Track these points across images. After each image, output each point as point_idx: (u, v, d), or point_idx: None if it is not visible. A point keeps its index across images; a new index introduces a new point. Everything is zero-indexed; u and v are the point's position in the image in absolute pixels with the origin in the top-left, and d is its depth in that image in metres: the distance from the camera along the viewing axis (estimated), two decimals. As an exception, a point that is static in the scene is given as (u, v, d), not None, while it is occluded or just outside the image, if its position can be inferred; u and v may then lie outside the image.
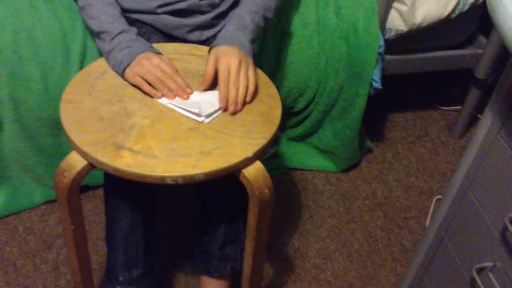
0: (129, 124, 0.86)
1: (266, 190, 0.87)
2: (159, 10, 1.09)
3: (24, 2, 1.17)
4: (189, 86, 0.92)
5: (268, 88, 0.99)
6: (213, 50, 0.94)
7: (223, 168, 0.81)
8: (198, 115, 0.88)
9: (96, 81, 0.95)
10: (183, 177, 0.79)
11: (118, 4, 1.14)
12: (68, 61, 1.20)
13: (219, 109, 0.90)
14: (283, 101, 0.98)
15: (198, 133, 0.87)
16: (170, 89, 0.90)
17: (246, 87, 0.91)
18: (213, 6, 1.11)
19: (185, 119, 0.88)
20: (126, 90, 0.93)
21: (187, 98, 0.91)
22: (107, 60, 0.97)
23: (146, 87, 0.90)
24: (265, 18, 1.06)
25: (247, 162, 0.84)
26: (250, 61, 0.95)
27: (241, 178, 0.85)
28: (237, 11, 1.04)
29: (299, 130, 1.56)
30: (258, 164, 0.86)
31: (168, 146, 0.83)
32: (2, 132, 1.23)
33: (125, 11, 1.15)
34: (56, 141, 1.29)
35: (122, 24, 0.99)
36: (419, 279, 1.07)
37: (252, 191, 0.86)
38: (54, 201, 1.38)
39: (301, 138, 1.59)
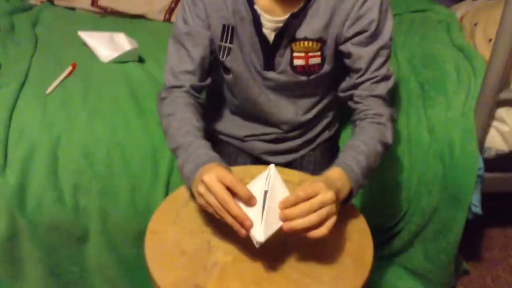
0: (211, 261, 0.83)
1: None
2: (247, 139, 1.10)
3: (119, 119, 1.23)
4: (247, 219, 0.76)
5: (357, 222, 0.93)
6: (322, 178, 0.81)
7: (310, 324, 0.74)
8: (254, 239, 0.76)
9: (182, 209, 0.94)
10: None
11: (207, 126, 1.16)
12: (156, 176, 1.22)
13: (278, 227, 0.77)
14: (369, 219, 0.90)
15: (282, 275, 0.81)
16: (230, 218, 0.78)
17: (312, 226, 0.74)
18: (301, 135, 1.11)
19: (268, 257, 0.83)
20: (211, 220, 0.91)
21: (245, 233, 0.76)
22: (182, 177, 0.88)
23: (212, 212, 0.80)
24: (383, 145, 0.95)
25: (336, 315, 0.76)
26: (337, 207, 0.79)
27: (328, 332, 0.77)
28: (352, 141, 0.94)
29: (387, 249, 1.45)
30: (347, 318, 0.78)
31: (251, 291, 0.78)
32: (87, 244, 1.26)
33: (215, 132, 1.17)
34: (138, 252, 1.29)
35: (192, 136, 0.91)
36: None
37: None
38: (131, 311, 1.36)
39: (390, 257, 1.47)
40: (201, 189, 0.80)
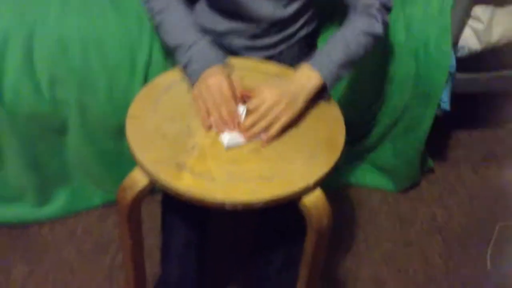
0: (191, 143, 0.86)
1: (325, 219, 0.85)
2: (225, 34, 1.09)
3: (94, 11, 1.20)
4: (237, 118, 0.89)
5: (331, 110, 0.97)
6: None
7: (283, 196, 0.79)
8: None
9: (161, 97, 0.96)
10: (242, 204, 0.78)
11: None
12: (133, 70, 1.22)
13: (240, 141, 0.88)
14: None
15: (259, 156, 0.85)
16: (221, 117, 0.88)
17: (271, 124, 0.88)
18: (279, 31, 1.11)
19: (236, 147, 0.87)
20: (190, 107, 0.93)
21: (233, 127, 0.88)
22: (186, 72, 0.97)
23: (203, 114, 0.90)
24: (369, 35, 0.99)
25: (307, 190, 0.82)
26: (300, 101, 0.90)
27: (300, 206, 0.83)
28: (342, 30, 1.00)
29: (357, 146, 1.51)
30: (318, 192, 0.84)
31: (228, 169, 0.82)
32: (67, 136, 1.27)
33: None
34: (118, 147, 1.32)
35: (193, 34, 0.97)
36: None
37: (310, 219, 0.84)
38: (112, 204, 1.41)
39: (359, 154, 1.54)
40: (202, 86, 0.90)
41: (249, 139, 0.87)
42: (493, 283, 0.97)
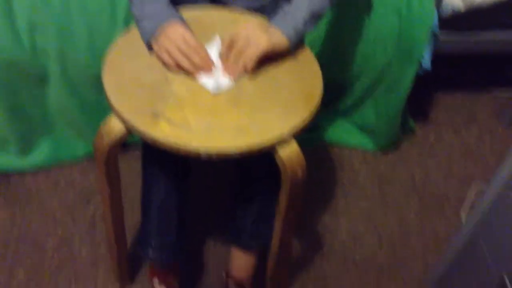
0: (168, 92, 0.86)
1: (300, 171, 0.86)
2: None
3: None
4: (211, 61, 0.88)
5: (310, 65, 0.97)
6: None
7: (258, 146, 0.80)
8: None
9: (140, 45, 0.95)
10: (218, 153, 0.79)
11: None
12: (114, 19, 1.21)
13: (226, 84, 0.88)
14: (325, 73, 0.95)
15: (236, 107, 0.86)
16: (194, 64, 0.86)
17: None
18: None
19: (223, 93, 0.88)
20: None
21: (210, 71, 0.87)
22: (137, 28, 0.93)
23: (173, 67, 0.87)
24: None
25: (282, 141, 0.83)
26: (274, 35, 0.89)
27: (275, 157, 0.84)
28: None
29: (339, 105, 1.52)
30: (293, 144, 0.85)
31: (205, 119, 0.83)
32: (48, 86, 1.27)
33: None
34: (99, 97, 1.31)
35: None
36: (448, 272, 1.05)
37: (285, 170, 0.85)
38: (94, 156, 1.42)
39: (341, 113, 1.55)
40: (169, 32, 0.85)
41: (235, 77, 0.86)
42: (465, 240, 1.00)
